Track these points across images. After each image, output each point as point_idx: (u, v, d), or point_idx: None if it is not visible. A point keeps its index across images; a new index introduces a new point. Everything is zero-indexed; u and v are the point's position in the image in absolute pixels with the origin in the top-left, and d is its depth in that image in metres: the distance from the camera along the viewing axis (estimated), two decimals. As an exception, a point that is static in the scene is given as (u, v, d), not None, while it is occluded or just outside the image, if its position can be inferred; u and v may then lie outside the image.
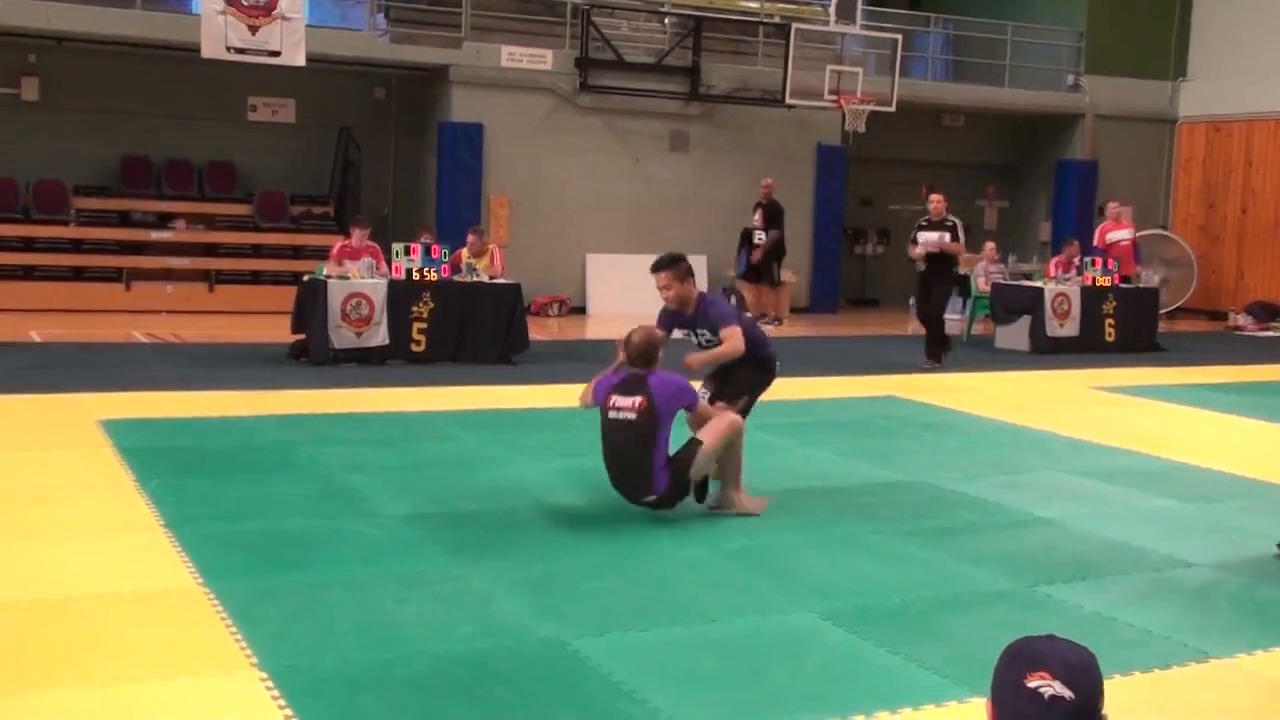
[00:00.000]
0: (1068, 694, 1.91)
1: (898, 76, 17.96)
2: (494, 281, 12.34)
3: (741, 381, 6.83)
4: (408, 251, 11.86)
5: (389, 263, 11.96)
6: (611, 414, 6.16)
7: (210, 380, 10.19)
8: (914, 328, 13.16)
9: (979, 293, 15.88)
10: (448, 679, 4.14)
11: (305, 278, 12.08)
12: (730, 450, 6.33)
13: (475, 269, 12.48)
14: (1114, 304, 14.87)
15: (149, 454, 7.30)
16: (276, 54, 14.39)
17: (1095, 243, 16.08)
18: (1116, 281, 15.01)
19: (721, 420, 6.30)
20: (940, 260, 12.58)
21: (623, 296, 16.10)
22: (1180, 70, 20.91)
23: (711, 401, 6.71)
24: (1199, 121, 20.79)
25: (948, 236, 12.47)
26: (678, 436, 6.27)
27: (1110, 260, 15.15)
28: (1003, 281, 15.67)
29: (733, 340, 6.65)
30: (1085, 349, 14.32)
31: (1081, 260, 15.19)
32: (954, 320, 16.26)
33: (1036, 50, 20.74)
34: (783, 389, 10.23)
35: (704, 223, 17.66)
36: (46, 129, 15.99)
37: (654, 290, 6.85)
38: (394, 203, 17.78)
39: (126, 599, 4.83)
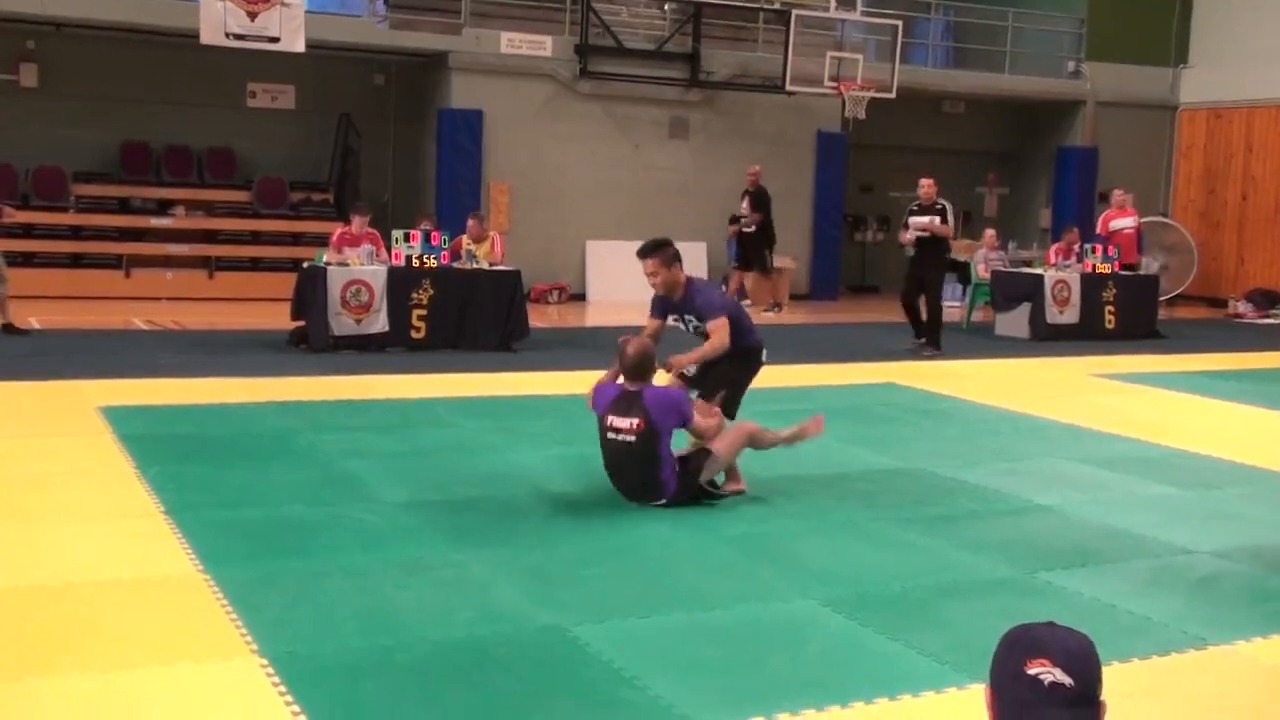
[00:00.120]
0: (1067, 681, 1.91)
1: (898, 63, 17.92)
2: (494, 268, 12.33)
3: (721, 375, 6.70)
4: (407, 238, 11.84)
5: (389, 249, 11.95)
6: (610, 435, 6.18)
7: (210, 367, 10.19)
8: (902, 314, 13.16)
9: (979, 280, 15.87)
10: (447, 665, 4.14)
11: (305, 264, 12.08)
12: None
13: (475, 256, 12.47)
14: (1114, 291, 14.86)
15: (149, 441, 7.30)
16: (276, 40, 14.35)
17: (1098, 230, 16.06)
18: (1116, 268, 15.00)
19: (735, 433, 6.37)
20: (931, 245, 12.64)
21: (622, 283, 16.06)
22: (1181, 57, 20.87)
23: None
24: (1199, 108, 20.77)
25: (937, 220, 12.54)
26: (678, 438, 6.30)
27: (1110, 247, 15.14)
28: (1003, 268, 15.66)
29: (718, 334, 6.57)
30: (1085, 336, 14.32)
31: (1081, 247, 15.18)
32: (953, 307, 16.27)
33: (1037, 37, 20.71)
34: (783, 376, 10.26)
35: (703, 209, 17.65)
36: (45, 115, 15.95)
37: (653, 278, 6.84)
38: (394, 189, 17.76)
39: (126, 585, 4.83)
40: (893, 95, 17.69)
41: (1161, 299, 16.46)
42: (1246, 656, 4.52)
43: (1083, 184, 20.41)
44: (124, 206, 16.06)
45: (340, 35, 16.13)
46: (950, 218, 12.75)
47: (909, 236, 12.73)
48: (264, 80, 16.97)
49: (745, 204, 16.50)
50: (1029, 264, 16.86)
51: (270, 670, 4.01)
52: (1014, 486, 6.98)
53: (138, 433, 7.49)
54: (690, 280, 6.81)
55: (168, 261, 15.72)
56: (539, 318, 13.92)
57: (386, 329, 11.61)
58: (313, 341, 11.38)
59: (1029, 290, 14.57)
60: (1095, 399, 10.34)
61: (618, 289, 16.44)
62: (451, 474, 6.83)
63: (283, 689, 3.87)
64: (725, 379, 6.71)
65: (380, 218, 14.89)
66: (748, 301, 16.80)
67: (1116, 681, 3.21)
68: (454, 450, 7.50)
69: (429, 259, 11.84)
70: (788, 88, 17.37)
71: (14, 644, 4.19)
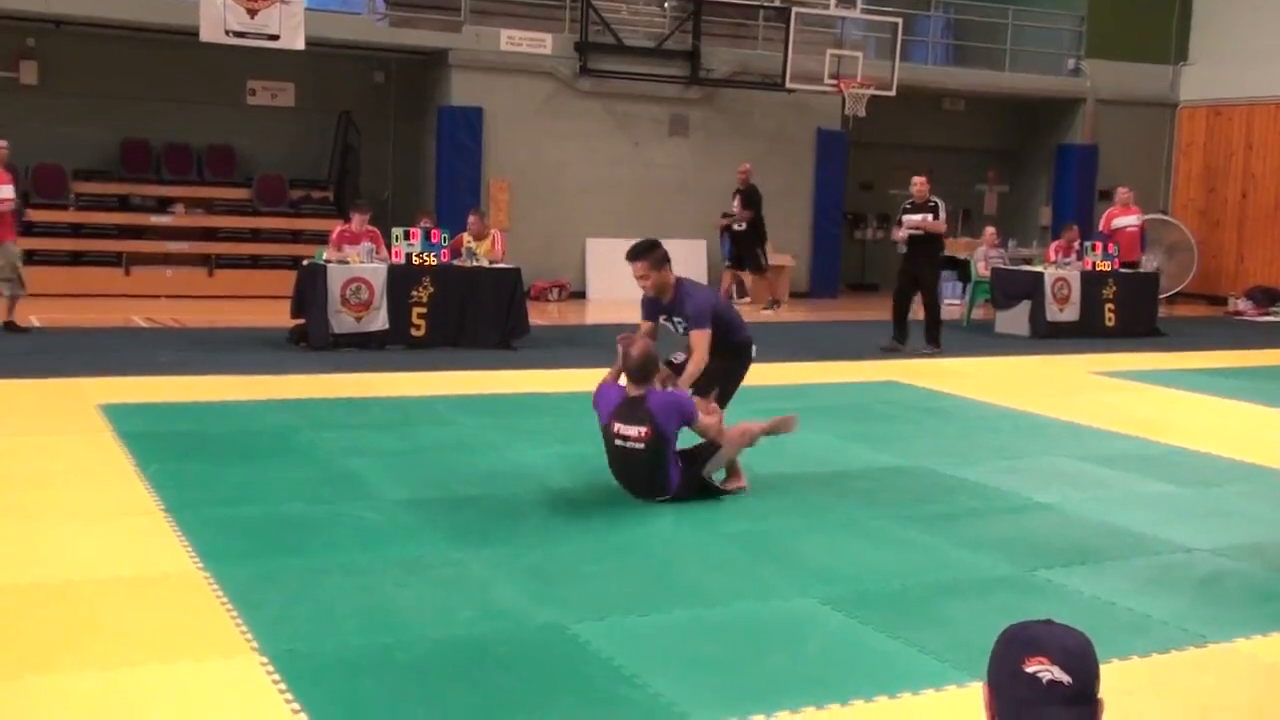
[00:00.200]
0: (1065, 679, 1.91)
1: (898, 60, 17.91)
2: (494, 266, 12.33)
3: (711, 372, 6.76)
4: (407, 236, 11.85)
5: (389, 247, 11.95)
6: (618, 442, 6.19)
7: (210, 365, 10.19)
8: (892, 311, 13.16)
9: (979, 277, 15.87)
10: (447, 663, 4.14)
11: (305, 262, 12.08)
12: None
13: (475, 253, 12.47)
14: (1114, 289, 14.85)
15: (148, 438, 7.30)
16: (275, 38, 14.36)
17: (1101, 227, 16.06)
18: (1116, 266, 14.99)
19: (739, 433, 6.40)
20: (924, 242, 12.67)
21: (622, 281, 15.90)
22: (1181, 54, 20.86)
23: None
24: (1199, 106, 20.75)
25: (930, 218, 12.56)
26: (682, 435, 6.31)
27: (1111, 245, 15.13)
28: (1003, 266, 15.66)
29: (698, 350, 6.66)
30: (1085, 334, 14.32)
31: (1081, 245, 15.18)
32: (954, 305, 16.28)
33: (1037, 34, 20.70)
34: (782, 373, 10.27)
35: (703, 207, 17.64)
36: (45, 113, 15.95)
37: (650, 277, 6.84)
38: (393, 187, 17.75)
39: (126, 583, 4.84)
40: (893, 93, 17.68)
41: (1161, 297, 16.46)
42: (1246, 654, 4.52)
43: (1083, 181, 20.41)
44: (124, 204, 16.06)
45: (340, 33, 16.13)
46: (943, 214, 12.79)
47: (902, 234, 12.76)
48: (264, 78, 16.97)
49: (736, 202, 16.49)
50: (1029, 262, 16.85)
51: (270, 668, 4.01)
52: (1014, 484, 6.98)
53: (137, 430, 7.49)
54: (680, 282, 6.82)
55: (167, 259, 15.72)
56: (539, 315, 13.91)
57: (386, 327, 11.61)
58: (313, 339, 11.37)
59: (1029, 288, 14.56)
60: (1095, 396, 10.34)
61: (618, 287, 16.40)
62: (451, 472, 6.83)
63: (283, 687, 3.87)
64: (718, 376, 6.80)
65: (380, 215, 14.89)
66: (747, 299, 16.83)
67: (1116, 679, 3.21)
68: (454, 448, 7.50)
69: (429, 257, 11.84)
70: (788, 85, 17.36)
71: (14, 642, 4.19)
